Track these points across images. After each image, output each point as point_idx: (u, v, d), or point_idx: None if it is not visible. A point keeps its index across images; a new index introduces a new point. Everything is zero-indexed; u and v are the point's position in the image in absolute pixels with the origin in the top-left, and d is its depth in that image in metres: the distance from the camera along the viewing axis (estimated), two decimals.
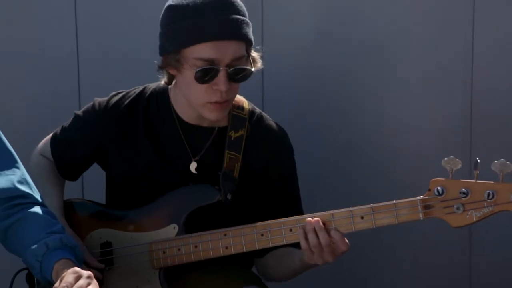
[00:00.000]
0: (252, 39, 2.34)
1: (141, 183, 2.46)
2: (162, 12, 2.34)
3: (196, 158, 2.44)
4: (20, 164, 2.32)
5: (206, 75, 2.27)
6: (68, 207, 2.53)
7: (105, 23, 3.17)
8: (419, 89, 3.10)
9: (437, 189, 2.16)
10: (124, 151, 2.46)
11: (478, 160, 2.13)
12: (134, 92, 2.50)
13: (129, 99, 2.49)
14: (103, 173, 2.58)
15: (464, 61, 3.07)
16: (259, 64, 2.39)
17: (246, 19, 2.31)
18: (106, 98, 2.51)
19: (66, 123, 2.58)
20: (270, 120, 2.52)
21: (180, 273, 2.43)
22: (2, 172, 2.26)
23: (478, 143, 3.06)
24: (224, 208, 2.39)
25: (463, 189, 2.14)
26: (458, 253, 3.17)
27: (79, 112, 2.55)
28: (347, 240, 2.23)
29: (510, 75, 3.06)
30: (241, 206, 2.43)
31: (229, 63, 2.27)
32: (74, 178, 2.64)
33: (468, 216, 2.15)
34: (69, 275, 2.04)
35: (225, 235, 2.33)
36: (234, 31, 2.27)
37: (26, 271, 2.41)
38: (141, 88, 2.52)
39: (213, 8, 2.26)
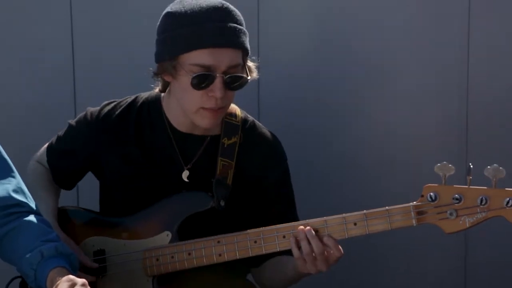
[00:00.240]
0: (249, 49, 2.35)
1: (134, 191, 2.46)
2: (160, 19, 2.35)
3: (188, 166, 2.44)
4: (15, 173, 2.32)
5: (202, 81, 2.27)
6: (62, 215, 2.53)
7: (101, 30, 3.18)
8: (415, 94, 3.11)
9: (430, 195, 2.16)
10: (116, 160, 2.46)
11: (471, 166, 2.13)
12: (126, 102, 2.51)
13: (121, 108, 2.49)
14: (97, 181, 2.58)
15: (459, 66, 3.07)
16: (255, 74, 2.40)
17: (244, 28, 2.33)
18: (98, 108, 2.52)
19: (61, 132, 2.59)
20: (263, 128, 2.53)
21: (174, 281, 2.43)
22: None
23: (474, 149, 3.06)
24: (217, 215, 2.38)
25: (456, 195, 2.14)
26: (453, 259, 3.16)
27: (73, 122, 2.57)
28: (340, 247, 2.23)
29: (506, 80, 3.06)
30: (235, 213, 2.42)
31: (225, 70, 2.28)
32: (69, 187, 2.65)
33: (461, 222, 2.15)
34: (63, 283, 2.03)
35: (218, 242, 2.33)
36: (231, 39, 2.29)
37: (19, 279, 2.42)
38: (133, 97, 2.52)
39: (212, 16, 2.27)
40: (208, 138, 2.44)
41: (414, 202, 2.18)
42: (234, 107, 2.49)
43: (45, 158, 2.60)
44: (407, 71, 3.10)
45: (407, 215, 2.18)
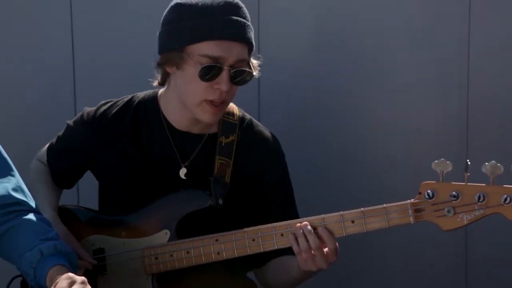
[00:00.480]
0: (254, 45, 2.36)
1: (131, 189, 2.46)
2: (168, 10, 2.36)
3: (186, 164, 2.44)
4: (15, 171, 2.33)
5: (209, 72, 2.28)
6: (62, 213, 2.54)
7: (101, 30, 3.19)
8: (415, 93, 3.10)
9: (428, 192, 2.15)
10: (113, 159, 2.47)
11: (469, 163, 2.12)
12: (123, 101, 2.52)
13: (117, 107, 2.50)
14: (97, 180, 2.59)
15: (460, 65, 3.06)
16: (257, 72, 2.40)
17: (250, 24, 2.35)
18: (95, 108, 2.53)
19: (60, 132, 2.61)
20: (261, 126, 2.53)
21: (173, 279, 2.43)
22: None
23: (474, 147, 3.05)
24: (215, 213, 2.38)
25: (454, 192, 2.13)
26: (453, 256, 3.16)
27: (71, 122, 2.58)
28: (334, 239, 2.23)
29: (506, 79, 3.06)
30: (233, 211, 2.42)
31: (232, 64, 2.29)
32: (68, 186, 2.66)
33: (459, 219, 2.14)
34: (62, 280, 2.04)
35: (216, 240, 2.33)
36: (241, 33, 2.30)
37: (20, 278, 2.42)
38: (129, 97, 2.53)
39: (222, 9, 2.29)
40: (206, 136, 2.44)
41: (412, 200, 2.18)
42: (232, 106, 2.49)
43: (45, 157, 2.61)
44: (407, 70, 3.09)
45: (404, 213, 2.17)
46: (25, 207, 2.31)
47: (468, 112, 3.07)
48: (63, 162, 2.57)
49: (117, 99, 2.53)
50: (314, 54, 3.13)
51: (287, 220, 2.30)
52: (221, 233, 2.33)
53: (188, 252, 2.35)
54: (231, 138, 2.44)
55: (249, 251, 2.31)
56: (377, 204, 2.21)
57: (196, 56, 2.28)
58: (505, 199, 2.08)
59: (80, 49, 3.20)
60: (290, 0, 3.14)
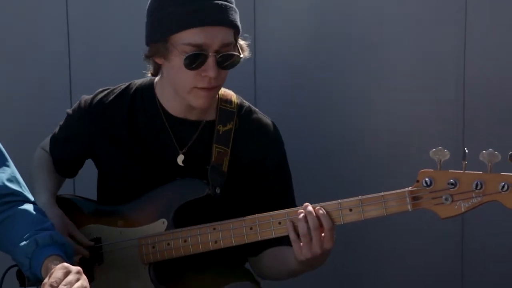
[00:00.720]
0: (240, 27, 2.34)
1: (129, 177, 2.46)
2: (149, 0, 2.34)
3: (183, 150, 2.43)
4: (10, 162, 2.32)
5: (195, 61, 2.27)
6: (58, 203, 2.53)
7: (97, 21, 3.17)
8: (412, 82, 3.10)
9: (425, 180, 2.15)
10: (111, 146, 2.46)
11: (466, 151, 2.12)
12: (120, 88, 2.51)
13: (114, 95, 2.49)
14: (94, 170, 2.59)
15: (456, 53, 3.06)
16: (247, 52, 2.39)
17: (234, 6, 2.32)
18: (92, 96, 2.52)
19: (61, 122, 2.61)
20: (259, 113, 2.51)
21: (170, 268, 2.43)
22: None
23: (470, 136, 3.05)
24: (213, 202, 2.38)
25: (451, 180, 2.13)
26: (449, 245, 3.17)
27: (70, 111, 2.58)
28: (330, 219, 2.21)
29: (502, 68, 3.06)
30: (230, 200, 2.42)
31: (217, 49, 2.27)
32: (71, 175, 2.66)
33: (456, 207, 2.14)
34: (58, 270, 2.03)
35: (214, 229, 2.33)
36: (222, 17, 2.28)
37: (16, 268, 2.42)
38: (126, 84, 2.52)
39: None
40: (203, 122, 2.44)
41: (410, 188, 2.17)
42: (230, 93, 2.48)
43: (48, 147, 2.63)
44: (405, 59, 3.09)
45: (402, 201, 2.17)
46: (20, 198, 2.30)
47: (465, 100, 3.07)
48: (64, 151, 2.58)
49: (114, 87, 2.52)
50: (311, 42, 3.12)
51: (285, 208, 2.29)
52: (219, 222, 2.33)
53: (185, 241, 2.35)
54: (228, 126, 2.43)
55: (246, 240, 2.30)
56: (372, 191, 2.21)
57: (180, 45, 2.27)
58: (503, 187, 2.08)
59: (76, 38, 3.18)
60: None
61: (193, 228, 2.35)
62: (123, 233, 2.42)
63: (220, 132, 2.43)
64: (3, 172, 2.29)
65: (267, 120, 2.51)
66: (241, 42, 2.37)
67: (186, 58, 2.26)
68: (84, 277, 2.05)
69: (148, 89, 2.47)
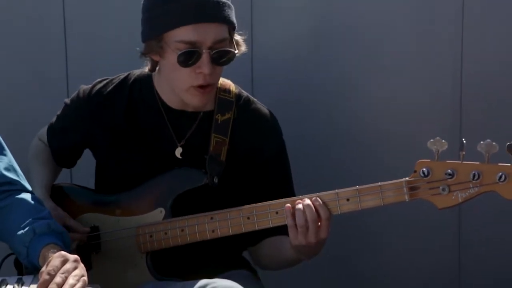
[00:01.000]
0: (235, 22, 2.34)
1: (127, 168, 2.45)
2: None
3: (181, 143, 2.43)
4: (7, 151, 2.32)
5: (189, 58, 2.26)
6: (56, 192, 2.54)
7: (93, 10, 3.16)
8: (409, 70, 3.10)
9: (423, 170, 2.15)
10: (109, 137, 2.46)
11: (464, 141, 2.12)
12: (118, 79, 2.51)
13: (113, 85, 2.49)
14: (91, 159, 2.58)
15: (453, 42, 3.06)
16: (243, 47, 2.38)
17: (228, 2, 2.31)
18: (90, 86, 2.52)
19: (59, 111, 2.60)
20: (258, 103, 2.51)
21: (168, 257, 2.43)
22: None
23: (468, 125, 3.05)
24: (211, 191, 2.38)
25: (449, 170, 2.13)
26: (446, 235, 3.17)
27: (67, 100, 2.57)
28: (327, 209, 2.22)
29: (501, 55, 3.05)
30: (228, 189, 2.42)
31: (211, 45, 2.27)
32: (69, 165, 2.66)
33: (453, 197, 2.14)
34: (55, 259, 2.03)
35: (211, 218, 2.33)
36: (215, 13, 2.27)
37: (14, 256, 2.42)
38: (125, 74, 2.52)
39: None
40: (201, 114, 2.43)
41: (407, 178, 2.18)
42: (228, 83, 2.48)
43: (46, 137, 2.62)
44: (402, 47, 3.09)
45: (399, 191, 2.18)
46: (17, 187, 2.30)
47: (462, 88, 3.07)
48: (62, 141, 2.57)
49: (113, 77, 2.52)
50: (309, 30, 3.11)
51: (283, 198, 2.30)
52: (216, 211, 2.33)
53: (182, 230, 2.35)
54: (227, 115, 2.43)
55: (244, 229, 2.31)
56: (370, 181, 2.21)
57: (173, 43, 2.27)
58: (500, 177, 2.09)
59: (73, 32, 3.18)
60: None
61: (191, 217, 2.35)
62: (121, 222, 2.42)
63: (219, 122, 2.43)
64: (1, 161, 2.29)
65: (265, 110, 2.50)
66: (237, 37, 2.36)
67: (179, 56, 2.26)
68: (81, 265, 2.05)
69: (146, 81, 2.46)
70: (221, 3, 2.28)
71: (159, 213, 2.39)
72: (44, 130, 2.63)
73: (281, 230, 2.30)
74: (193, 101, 2.34)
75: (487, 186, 2.11)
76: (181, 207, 2.39)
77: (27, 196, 2.29)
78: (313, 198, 2.22)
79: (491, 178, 2.10)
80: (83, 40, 3.18)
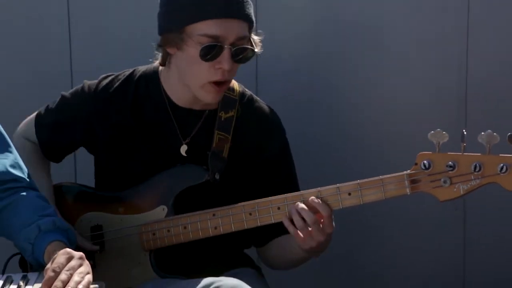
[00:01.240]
0: (254, 21, 2.34)
1: (130, 165, 2.45)
2: None
3: (187, 141, 2.43)
4: (12, 148, 2.32)
5: (210, 52, 2.26)
6: (58, 191, 2.53)
7: (97, 8, 3.17)
8: (414, 64, 3.08)
9: (424, 163, 2.14)
10: (114, 133, 2.46)
11: (465, 132, 2.11)
12: (124, 75, 2.50)
13: (119, 82, 2.48)
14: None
15: (459, 36, 3.04)
16: (259, 48, 2.38)
17: (249, 0, 2.32)
18: (96, 81, 2.51)
19: (52, 104, 2.55)
20: (261, 102, 2.51)
21: (171, 255, 2.43)
22: None
23: (473, 122, 3.03)
24: (212, 188, 2.38)
25: (450, 162, 2.12)
26: (451, 233, 3.15)
27: (67, 94, 2.54)
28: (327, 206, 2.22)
29: (505, 49, 3.03)
30: (230, 186, 2.41)
31: (233, 42, 2.27)
32: (58, 160, 2.62)
33: (455, 190, 2.13)
34: (60, 256, 2.03)
35: (213, 215, 2.33)
36: (240, 10, 2.28)
37: (18, 256, 2.43)
38: (130, 70, 2.51)
39: None
40: (207, 112, 2.43)
41: (408, 171, 2.17)
42: (232, 82, 2.48)
43: (32, 131, 2.56)
44: (407, 42, 3.07)
45: (401, 184, 2.17)
46: (22, 184, 2.30)
47: (468, 87, 3.05)
48: (59, 135, 2.53)
49: (118, 73, 2.51)
50: (313, 29, 3.10)
51: None
52: (218, 208, 2.33)
53: (185, 228, 2.35)
54: (230, 113, 2.43)
55: (246, 225, 2.31)
56: (373, 174, 2.20)
57: (195, 36, 2.27)
58: (501, 168, 2.07)
59: (77, 23, 3.18)
60: None
61: (193, 214, 2.35)
62: (124, 220, 2.42)
63: (222, 119, 2.43)
64: (6, 158, 2.29)
65: (268, 109, 2.51)
66: (254, 36, 2.36)
67: (202, 49, 2.26)
68: (86, 262, 2.05)
69: (152, 77, 2.46)
70: (244, 0, 2.29)
71: (161, 211, 2.39)
72: (26, 127, 2.58)
73: (287, 229, 2.29)
74: (207, 97, 2.34)
75: (488, 177, 2.09)
76: (183, 204, 2.39)
77: (32, 193, 2.29)
78: (310, 199, 2.22)
79: (492, 170, 2.08)
80: (87, 39, 3.18)
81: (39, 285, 2.01)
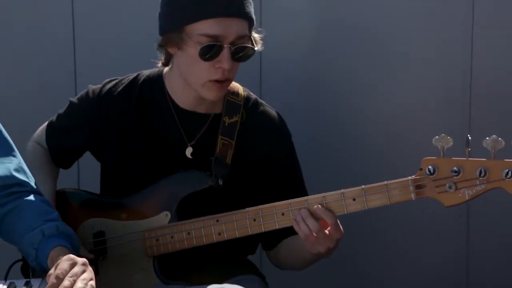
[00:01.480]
0: (254, 19, 2.34)
1: (135, 169, 2.45)
2: None
3: (192, 143, 2.42)
4: (17, 152, 2.32)
5: (210, 51, 2.26)
6: (61, 197, 2.53)
7: (102, 11, 3.17)
8: (418, 69, 3.08)
9: (429, 168, 2.13)
10: (118, 137, 2.45)
11: (470, 138, 2.10)
12: (128, 79, 2.50)
13: (123, 85, 2.48)
14: (98, 164, 2.57)
15: (463, 41, 3.04)
16: (260, 45, 2.38)
17: None
18: (100, 85, 2.51)
19: (62, 110, 2.58)
20: (266, 106, 2.50)
21: (175, 261, 2.42)
22: None
23: (477, 126, 3.03)
24: (216, 193, 2.37)
25: (455, 167, 2.11)
26: (454, 240, 3.15)
27: (74, 99, 2.56)
28: (331, 213, 2.22)
29: (509, 58, 3.02)
30: (234, 192, 2.41)
31: (233, 40, 2.27)
32: (67, 166, 2.63)
33: (460, 195, 2.12)
34: (64, 262, 2.02)
35: (217, 221, 2.32)
36: (239, 9, 2.28)
37: (21, 263, 2.41)
38: (134, 75, 2.51)
39: None
40: (212, 115, 2.43)
41: (413, 176, 2.16)
42: (236, 86, 2.47)
43: (44, 137, 2.59)
44: (410, 46, 3.07)
45: (405, 189, 2.16)
46: (27, 188, 2.30)
47: (472, 87, 3.04)
48: (65, 140, 2.55)
49: (122, 77, 2.51)
50: (317, 32, 3.10)
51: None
52: (222, 214, 2.32)
53: (189, 233, 2.34)
54: (234, 118, 2.42)
55: (250, 231, 2.30)
56: (378, 181, 2.19)
57: (195, 36, 2.27)
58: (507, 173, 2.07)
59: (81, 32, 3.18)
60: None
61: (196, 220, 2.34)
62: (127, 226, 2.42)
63: (226, 124, 2.42)
64: (10, 162, 2.29)
65: (274, 113, 2.50)
66: (254, 35, 2.36)
67: (202, 49, 2.25)
68: (90, 268, 2.04)
69: (157, 80, 2.46)
70: None
71: (164, 217, 2.38)
72: (39, 133, 2.61)
73: (295, 230, 2.29)
74: (209, 95, 2.34)
75: (493, 182, 2.08)
76: (186, 210, 2.38)
77: (36, 197, 2.29)
78: (315, 207, 2.22)
79: (497, 175, 2.08)
80: (91, 44, 3.18)
81: None
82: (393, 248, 3.19)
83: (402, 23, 3.07)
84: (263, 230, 2.29)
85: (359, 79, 3.11)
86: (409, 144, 3.08)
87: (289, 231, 2.32)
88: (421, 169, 2.15)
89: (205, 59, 2.27)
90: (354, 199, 2.20)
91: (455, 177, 2.11)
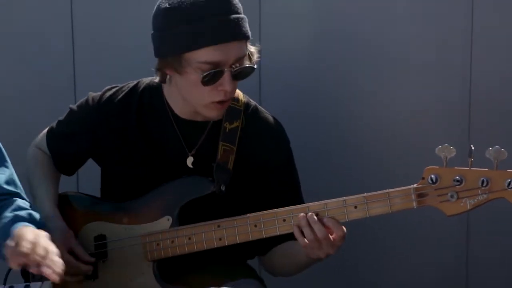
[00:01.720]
0: (250, 35, 2.32)
1: (135, 177, 2.45)
2: (156, 14, 2.29)
3: (192, 152, 2.42)
4: (9, 163, 2.34)
5: (212, 78, 2.25)
6: (63, 200, 2.52)
7: (101, 17, 3.17)
8: (417, 76, 3.09)
9: (431, 177, 2.14)
10: (118, 145, 2.45)
11: (473, 147, 2.11)
12: (128, 87, 2.50)
13: (123, 93, 2.48)
14: (98, 167, 2.57)
15: (462, 51, 3.04)
16: (256, 56, 2.37)
17: (243, 15, 2.29)
18: (100, 93, 2.51)
19: (62, 117, 2.58)
20: (266, 112, 2.51)
21: (175, 265, 2.42)
22: None
23: (476, 132, 3.04)
24: (218, 199, 2.37)
25: (457, 177, 2.12)
26: (453, 247, 3.16)
27: (74, 107, 2.56)
28: (342, 225, 2.23)
29: (509, 65, 3.03)
30: (236, 198, 2.41)
31: (232, 63, 2.26)
32: (70, 172, 2.63)
33: (462, 204, 2.13)
34: (28, 233, 2.07)
35: (218, 226, 2.32)
36: (236, 32, 2.26)
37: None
38: (134, 82, 2.51)
39: (212, 11, 2.22)
40: (211, 123, 2.43)
41: (415, 185, 2.17)
42: (237, 92, 2.47)
43: (45, 143, 2.58)
44: (409, 53, 3.08)
45: (407, 198, 2.17)
46: (15, 197, 2.33)
47: (471, 95, 3.05)
48: (66, 147, 2.55)
49: (122, 85, 2.51)
50: (316, 40, 3.11)
51: (291, 206, 2.29)
52: (223, 219, 2.32)
53: (189, 238, 2.35)
54: (235, 124, 2.43)
55: (251, 237, 2.30)
56: (377, 188, 2.20)
57: (195, 63, 2.25)
58: (509, 184, 2.08)
59: (80, 34, 3.18)
60: None
61: (198, 225, 2.34)
62: (128, 230, 2.41)
63: (227, 130, 2.42)
64: (3, 173, 2.31)
65: (273, 119, 2.50)
66: (251, 48, 2.35)
67: (204, 77, 2.24)
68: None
69: (156, 89, 2.46)
70: (240, 19, 2.25)
71: (166, 221, 2.38)
72: (41, 138, 2.60)
73: (290, 236, 2.29)
74: (211, 114, 2.34)
75: (496, 192, 2.10)
76: (188, 215, 2.38)
77: (20, 201, 2.31)
78: (326, 219, 2.22)
79: (500, 185, 2.09)
80: (90, 49, 3.18)
81: None
82: (393, 254, 3.20)
83: (401, 30, 3.07)
84: (264, 236, 2.30)
85: (358, 86, 3.12)
86: (408, 151, 3.09)
87: (283, 237, 2.33)
88: (423, 178, 2.16)
89: (207, 84, 2.26)
90: (355, 207, 2.21)
91: (457, 187, 2.12)
